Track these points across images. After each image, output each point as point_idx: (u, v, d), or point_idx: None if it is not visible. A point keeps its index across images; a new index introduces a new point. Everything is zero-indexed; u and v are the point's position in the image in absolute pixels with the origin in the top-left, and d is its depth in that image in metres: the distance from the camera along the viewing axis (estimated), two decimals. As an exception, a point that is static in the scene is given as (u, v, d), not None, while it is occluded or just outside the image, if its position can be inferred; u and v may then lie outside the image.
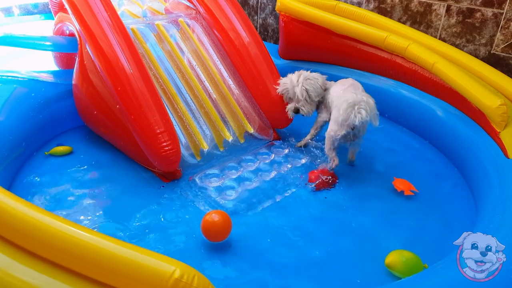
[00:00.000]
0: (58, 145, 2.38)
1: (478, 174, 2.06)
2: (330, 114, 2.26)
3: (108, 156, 2.34)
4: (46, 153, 2.31)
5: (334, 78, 2.66)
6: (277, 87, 2.45)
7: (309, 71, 2.37)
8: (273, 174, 2.18)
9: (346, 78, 2.42)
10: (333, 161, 2.18)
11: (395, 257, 1.59)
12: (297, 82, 2.30)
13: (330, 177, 2.15)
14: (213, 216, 1.71)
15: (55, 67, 2.88)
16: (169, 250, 1.71)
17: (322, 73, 2.41)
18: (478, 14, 2.64)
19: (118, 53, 2.08)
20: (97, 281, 1.12)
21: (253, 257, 1.70)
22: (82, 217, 1.87)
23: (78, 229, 1.17)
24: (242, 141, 2.47)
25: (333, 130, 2.11)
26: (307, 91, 2.29)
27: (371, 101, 1.99)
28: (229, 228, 1.72)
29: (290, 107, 2.39)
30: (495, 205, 1.72)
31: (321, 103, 2.42)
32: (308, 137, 2.47)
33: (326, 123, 2.37)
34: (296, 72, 2.37)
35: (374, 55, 2.79)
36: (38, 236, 1.17)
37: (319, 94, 2.33)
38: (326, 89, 2.37)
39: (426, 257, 1.66)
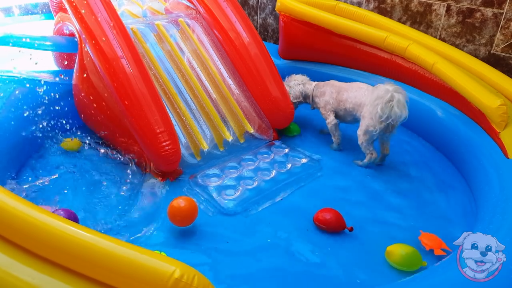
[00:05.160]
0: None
1: (478, 174, 2.06)
2: (343, 116, 2.46)
3: (106, 156, 2.34)
4: (61, 144, 2.36)
5: (334, 78, 2.67)
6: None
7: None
8: (273, 173, 2.18)
9: (345, 79, 2.47)
10: (371, 155, 2.28)
11: (395, 249, 1.64)
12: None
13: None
14: (179, 202, 1.78)
15: (55, 67, 2.87)
16: (170, 250, 1.71)
17: (322, 73, 2.43)
18: (478, 14, 2.64)
19: (118, 53, 2.08)
20: (97, 281, 1.12)
21: (253, 257, 1.69)
22: (81, 216, 1.86)
23: (78, 229, 1.17)
24: (242, 141, 2.47)
25: (372, 125, 2.16)
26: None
27: (402, 91, 2.08)
28: (194, 210, 1.79)
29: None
30: (495, 205, 1.72)
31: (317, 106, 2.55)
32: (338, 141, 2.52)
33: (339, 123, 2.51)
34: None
35: (374, 55, 2.79)
36: (38, 236, 1.17)
37: (296, 97, 2.64)
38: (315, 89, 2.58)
39: (426, 257, 1.66)
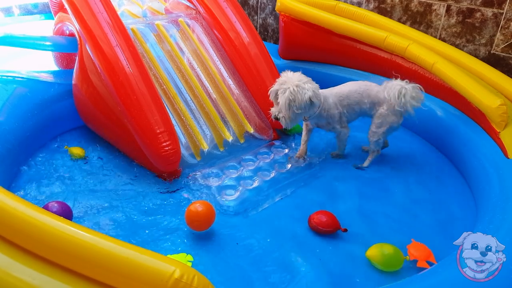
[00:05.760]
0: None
1: (478, 174, 2.06)
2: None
3: (107, 156, 2.34)
4: (66, 147, 2.35)
5: (334, 78, 2.67)
6: (273, 85, 2.16)
7: (309, 79, 2.12)
8: (273, 174, 2.18)
9: (345, 79, 2.40)
10: (377, 152, 2.34)
11: (375, 251, 1.64)
12: (285, 89, 2.04)
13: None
14: (197, 206, 1.76)
15: (55, 67, 2.87)
16: (170, 251, 1.71)
17: (322, 73, 2.40)
18: (478, 14, 2.64)
19: (118, 53, 2.08)
20: (97, 281, 1.13)
21: (253, 256, 1.70)
22: (81, 217, 1.87)
23: (78, 229, 1.17)
24: (242, 141, 2.47)
25: (396, 122, 2.23)
26: (290, 101, 2.04)
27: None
28: (212, 215, 1.77)
29: (273, 110, 2.16)
30: (495, 205, 1.72)
31: (322, 118, 2.24)
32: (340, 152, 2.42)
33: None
34: (298, 74, 2.11)
35: (374, 55, 2.79)
36: (38, 236, 1.17)
37: (301, 108, 2.06)
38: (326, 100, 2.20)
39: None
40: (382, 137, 2.28)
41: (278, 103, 2.11)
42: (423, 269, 1.58)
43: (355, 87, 2.29)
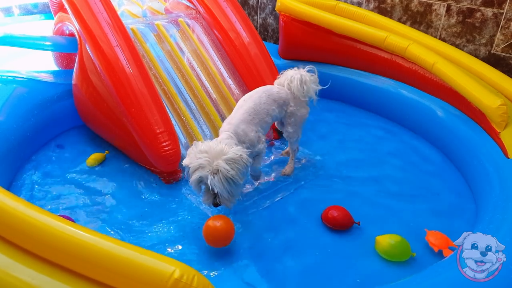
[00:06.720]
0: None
1: (478, 174, 2.06)
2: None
3: (107, 156, 2.34)
4: (106, 152, 2.33)
5: (334, 78, 2.66)
6: (185, 163, 1.73)
7: (228, 142, 1.76)
8: (273, 174, 2.18)
9: (345, 79, 2.31)
10: (297, 149, 2.25)
11: (384, 238, 1.68)
12: (215, 169, 1.63)
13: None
14: (216, 222, 1.67)
15: (55, 67, 2.88)
16: (169, 250, 1.71)
17: (322, 73, 2.38)
18: (478, 14, 2.64)
19: (118, 53, 2.08)
20: (97, 281, 1.12)
21: (253, 256, 1.70)
22: (81, 217, 1.87)
23: (78, 229, 1.17)
24: (242, 141, 2.46)
25: (305, 112, 2.16)
26: (232, 179, 1.66)
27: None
28: (232, 233, 1.70)
29: (206, 200, 1.74)
30: (495, 205, 1.72)
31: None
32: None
33: None
34: (206, 146, 1.70)
35: (374, 55, 2.79)
36: (38, 236, 1.17)
37: (244, 174, 1.73)
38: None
39: (426, 257, 1.67)
40: (300, 133, 2.18)
41: (209, 190, 1.70)
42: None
43: (257, 99, 2.00)
